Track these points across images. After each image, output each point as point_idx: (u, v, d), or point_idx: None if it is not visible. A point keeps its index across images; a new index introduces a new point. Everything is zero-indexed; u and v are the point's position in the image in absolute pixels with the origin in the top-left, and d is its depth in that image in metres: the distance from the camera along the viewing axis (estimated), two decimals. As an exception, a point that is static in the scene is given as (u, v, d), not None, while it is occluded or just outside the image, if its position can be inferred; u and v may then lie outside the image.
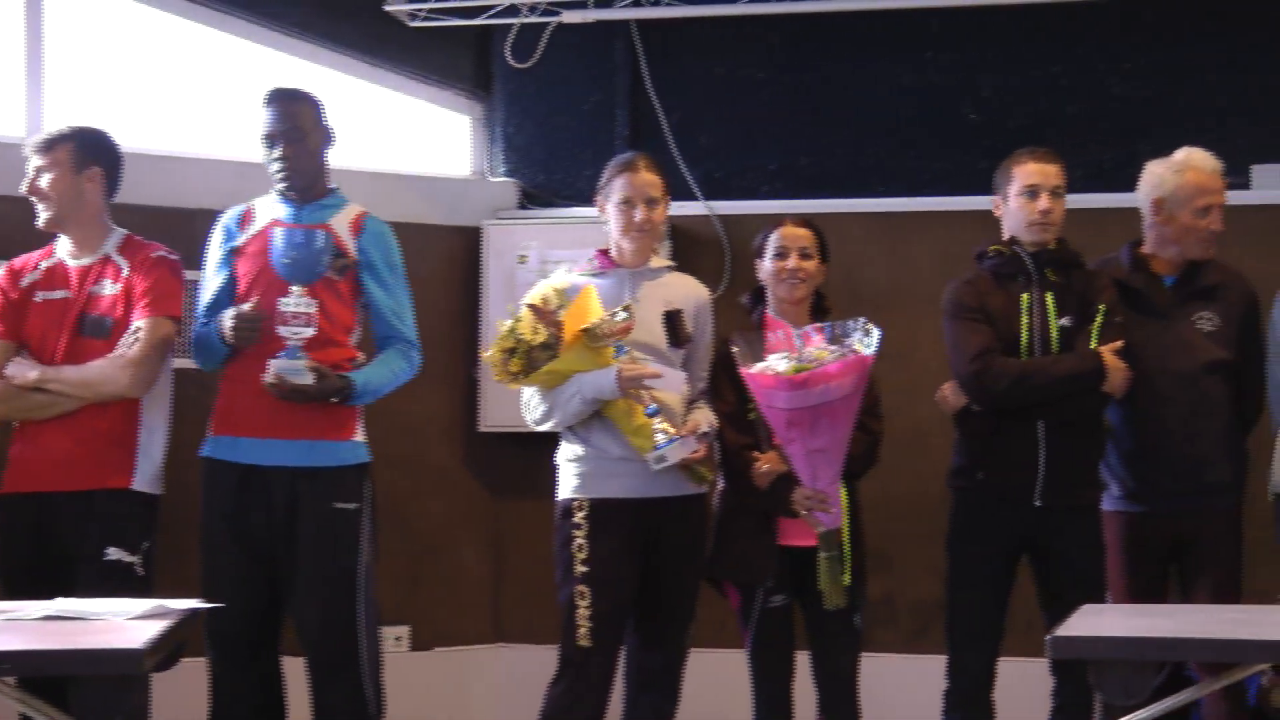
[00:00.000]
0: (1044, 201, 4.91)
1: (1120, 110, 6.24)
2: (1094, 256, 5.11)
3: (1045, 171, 4.93)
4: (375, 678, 4.85)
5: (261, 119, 4.85)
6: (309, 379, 4.68)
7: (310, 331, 4.69)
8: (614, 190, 4.94)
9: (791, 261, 4.97)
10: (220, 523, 4.80)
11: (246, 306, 4.71)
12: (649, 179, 4.95)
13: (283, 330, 4.68)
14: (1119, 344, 4.84)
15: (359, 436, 4.89)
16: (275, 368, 4.67)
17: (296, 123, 4.83)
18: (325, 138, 4.94)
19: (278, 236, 4.73)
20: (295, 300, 4.68)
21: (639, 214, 4.91)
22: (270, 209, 4.89)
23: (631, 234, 4.94)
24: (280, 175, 4.84)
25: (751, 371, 4.72)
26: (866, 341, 4.70)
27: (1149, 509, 4.99)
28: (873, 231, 6.37)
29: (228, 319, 4.71)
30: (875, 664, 5.29)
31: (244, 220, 4.91)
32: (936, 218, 6.28)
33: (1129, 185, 5.18)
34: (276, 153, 4.82)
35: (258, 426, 4.77)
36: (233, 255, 4.87)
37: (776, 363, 4.68)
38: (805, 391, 4.61)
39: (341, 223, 4.88)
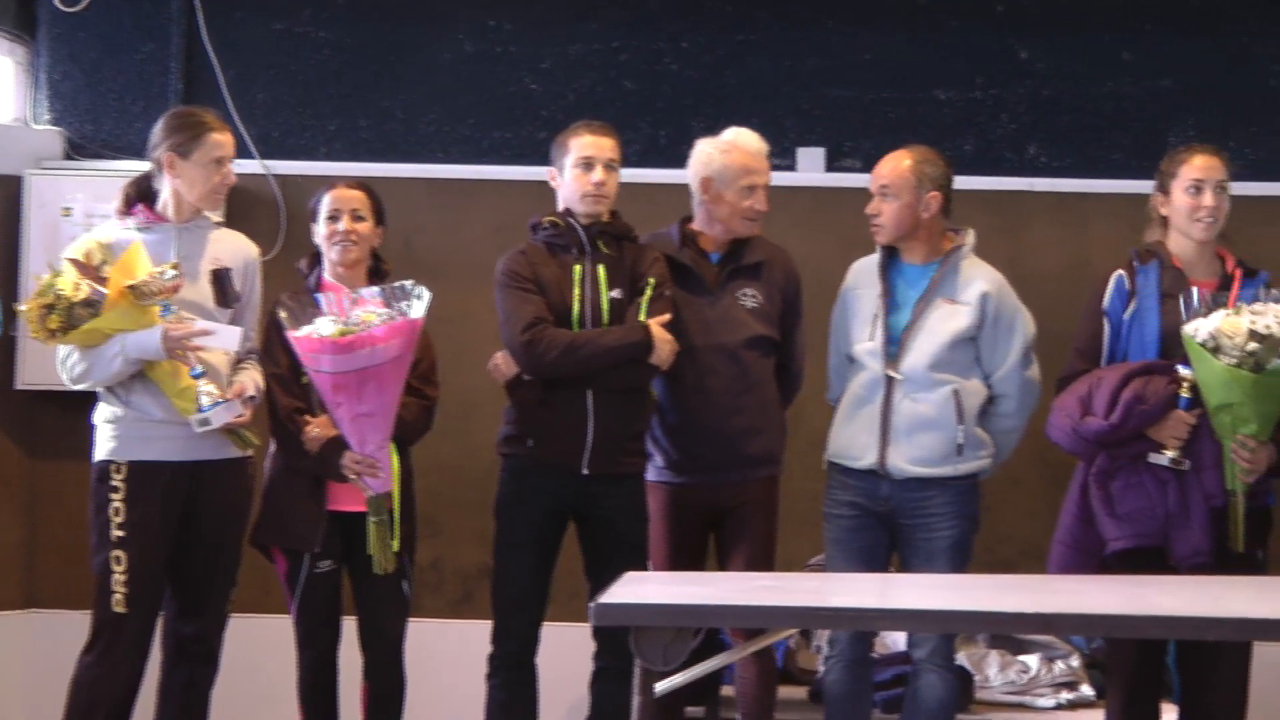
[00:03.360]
0: (598, 174, 4.98)
1: (675, 88, 6.37)
2: (647, 231, 5.21)
3: (600, 145, 5.00)
4: None
5: None
6: None
7: None
8: (202, 147, 4.83)
9: (343, 224, 4.93)
10: None
11: None
12: (231, 138, 4.91)
13: None
14: (667, 317, 4.95)
15: None
16: None
17: None
18: None
19: None
20: None
21: (231, 176, 4.88)
22: None
23: (220, 195, 4.92)
24: None
25: (297, 335, 4.66)
26: (416, 305, 4.69)
27: (690, 480, 5.12)
28: (431, 198, 6.34)
29: None
30: (422, 629, 5.32)
31: None
32: (494, 186, 6.29)
33: (682, 162, 5.30)
34: None
35: None
36: None
37: (322, 326, 4.64)
38: (351, 355, 4.59)
39: None
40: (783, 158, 6.08)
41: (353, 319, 4.65)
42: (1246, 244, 4.97)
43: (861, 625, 4.49)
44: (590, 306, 4.96)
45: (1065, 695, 5.70)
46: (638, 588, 3.85)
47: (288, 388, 4.88)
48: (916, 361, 4.95)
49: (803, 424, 5.51)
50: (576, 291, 4.96)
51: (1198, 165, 4.81)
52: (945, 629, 4.63)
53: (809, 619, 3.61)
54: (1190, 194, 4.80)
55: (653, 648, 3.47)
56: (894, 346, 4.99)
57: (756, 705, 5.17)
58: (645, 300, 4.97)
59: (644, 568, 4.98)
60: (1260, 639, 4.48)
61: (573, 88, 6.37)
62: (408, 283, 4.76)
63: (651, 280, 4.99)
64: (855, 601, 3.70)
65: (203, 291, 4.82)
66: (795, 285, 5.24)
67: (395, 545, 4.84)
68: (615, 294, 4.98)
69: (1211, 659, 4.70)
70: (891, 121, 6.24)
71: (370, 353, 4.63)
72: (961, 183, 5.86)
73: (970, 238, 5.08)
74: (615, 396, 4.94)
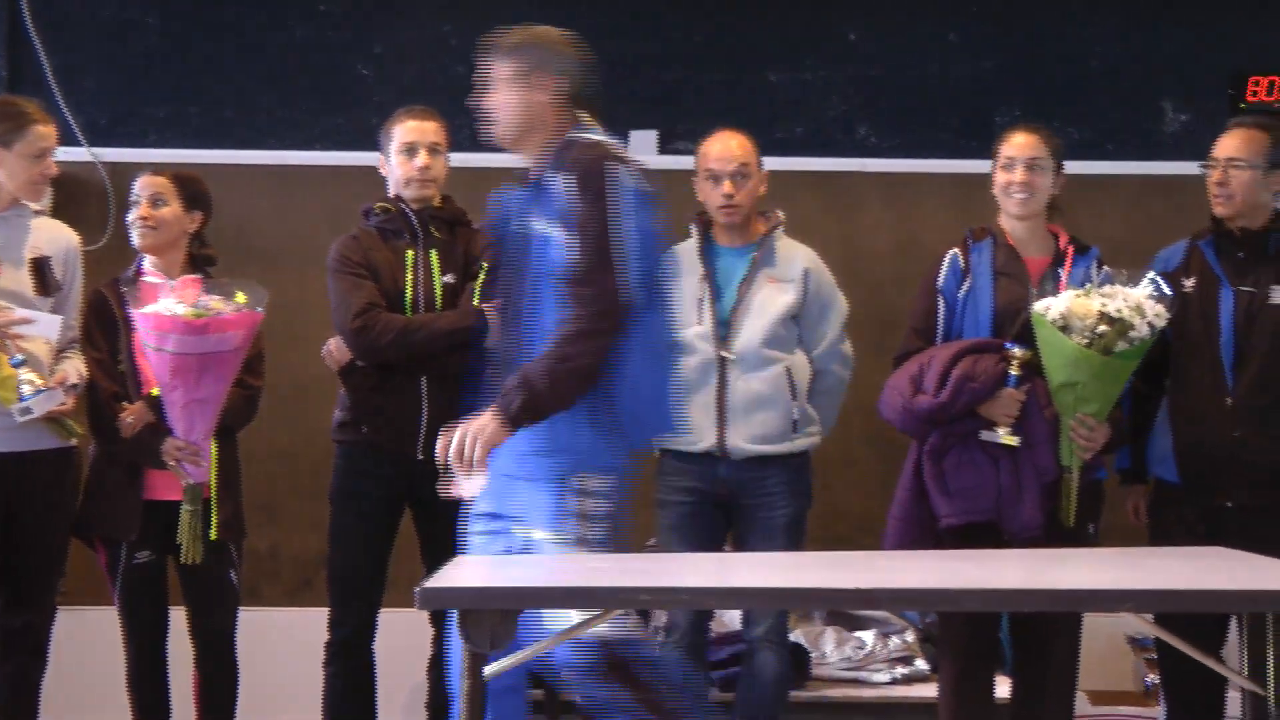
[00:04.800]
0: (421, 159, 4.97)
1: (508, 73, 6.36)
2: (480, 215, 5.20)
3: (424, 129, 4.99)
4: None
5: None
6: None
7: None
8: (25, 139, 4.74)
9: (139, 209, 4.89)
10: None
11: None
12: (54, 130, 4.84)
13: None
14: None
15: None
16: None
17: None
18: None
19: None
20: None
21: (52, 167, 4.81)
22: None
23: (40, 187, 4.84)
24: None
25: (144, 311, 4.62)
26: (253, 299, 4.69)
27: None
28: (264, 184, 6.30)
29: None
30: (258, 618, 5.30)
31: None
32: (327, 172, 6.25)
33: (512, 145, 5.27)
34: None
35: None
36: None
37: (174, 305, 4.61)
38: (201, 337, 4.60)
39: None
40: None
41: (202, 304, 4.64)
42: (1068, 221, 5.07)
43: (681, 604, 4.52)
44: (423, 291, 4.95)
45: (900, 670, 5.79)
46: (465, 571, 3.84)
47: (107, 373, 4.83)
48: (749, 341, 4.99)
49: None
50: (409, 276, 4.95)
51: (1011, 143, 4.90)
52: (761, 605, 4.69)
53: (635, 599, 3.62)
54: (1004, 170, 4.89)
55: (479, 631, 3.46)
56: (723, 328, 5.03)
57: (596, 686, 5.19)
58: (479, 284, 4.96)
59: (481, 551, 4.97)
60: (1075, 610, 4.57)
61: (405, 73, 6.36)
62: (242, 280, 4.74)
63: (485, 264, 4.98)
64: (679, 581, 3.72)
65: (22, 280, 4.75)
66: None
67: (214, 534, 4.80)
68: (448, 279, 4.97)
69: (1042, 631, 4.79)
70: (723, 104, 6.29)
71: (220, 338, 4.63)
72: (793, 164, 5.98)
73: (782, 217, 5.14)
74: (450, 381, 4.92)
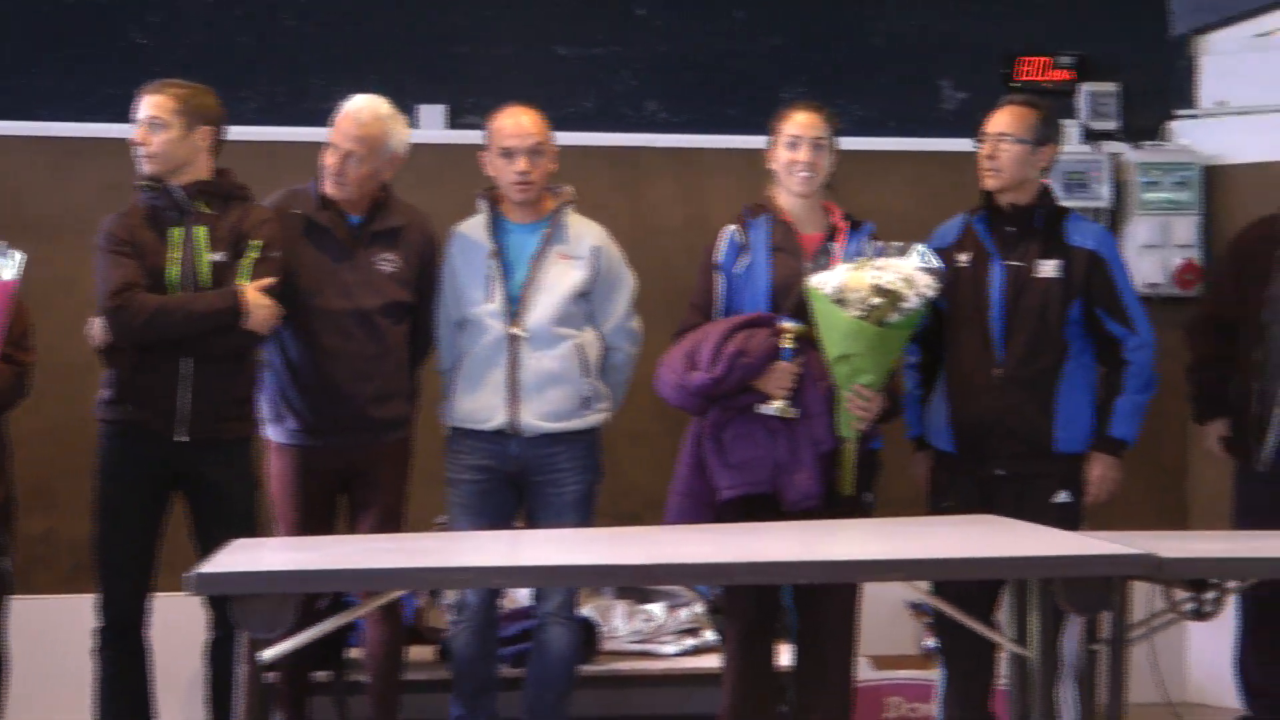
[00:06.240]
0: (138, 134, 4.89)
1: (293, 44, 6.27)
2: (266, 190, 5.11)
3: (146, 103, 4.90)
4: None
5: None
6: None
7: None
8: None
9: None
10: None
11: None
12: None
13: None
14: (269, 281, 4.86)
15: None
16: None
17: None
18: None
19: None
20: None
21: None
22: None
23: None
24: None
25: None
26: (7, 265, 4.55)
27: (321, 443, 5.06)
28: (36, 156, 6.11)
29: None
30: (33, 606, 5.19)
31: None
32: (104, 145, 6.02)
33: (301, 120, 5.20)
34: None
35: None
36: None
37: None
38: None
39: None
40: (404, 115, 6.05)
41: None
42: (851, 197, 5.15)
43: (466, 584, 4.51)
44: (189, 270, 4.84)
45: (689, 641, 5.86)
46: (245, 555, 3.79)
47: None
48: (540, 318, 5.00)
49: (432, 381, 5.50)
50: (172, 254, 4.84)
51: (794, 121, 4.98)
52: (541, 583, 4.71)
53: (421, 579, 3.61)
54: (788, 149, 4.96)
55: (255, 616, 3.41)
56: (514, 305, 5.01)
57: (385, 665, 5.17)
58: (248, 263, 4.87)
59: (253, 534, 4.88)
60: (847, 579, 4.66)
61: (184, 43, 6.21)
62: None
63: (257, 243, 4.89)
64: (465, 560, 3.72)
65: None
66: (433, 249, 5.21)
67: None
68: (217, 256, 4.87)
69: (821, 599, 4.86)
70: (514, 78, 6.26)
71: (-35, 315, 4.49)
72: (582, 139, 5.98)
73: (572, 193, 5.14)
74: (214, 362, 4.85)
